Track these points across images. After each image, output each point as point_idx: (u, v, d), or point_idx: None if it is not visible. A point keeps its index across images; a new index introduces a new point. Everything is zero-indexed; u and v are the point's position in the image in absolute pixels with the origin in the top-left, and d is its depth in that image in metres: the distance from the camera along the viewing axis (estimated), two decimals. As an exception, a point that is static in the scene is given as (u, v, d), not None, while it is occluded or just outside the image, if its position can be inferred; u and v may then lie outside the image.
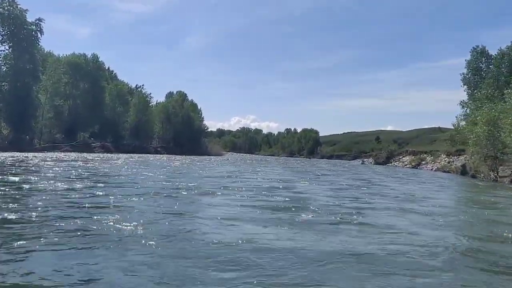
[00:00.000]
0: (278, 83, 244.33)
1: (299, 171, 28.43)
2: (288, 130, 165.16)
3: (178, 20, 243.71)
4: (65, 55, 55.97)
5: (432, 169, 39.00)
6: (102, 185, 11.77)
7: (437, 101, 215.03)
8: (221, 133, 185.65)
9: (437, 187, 18.17)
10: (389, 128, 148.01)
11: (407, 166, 47.70)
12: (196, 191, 11.58)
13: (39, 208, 7.25)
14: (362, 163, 62.78)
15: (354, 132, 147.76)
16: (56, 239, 5.21)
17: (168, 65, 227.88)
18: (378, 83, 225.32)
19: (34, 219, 6.37)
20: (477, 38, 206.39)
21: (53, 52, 58.79)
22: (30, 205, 7.55)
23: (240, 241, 5.53)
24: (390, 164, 55.33)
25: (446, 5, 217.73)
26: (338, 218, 7.87)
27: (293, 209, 8.98)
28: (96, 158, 32.50)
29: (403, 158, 56.78)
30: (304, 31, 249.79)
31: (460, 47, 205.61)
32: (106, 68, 78.83)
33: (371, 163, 63.51)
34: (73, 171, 16.80)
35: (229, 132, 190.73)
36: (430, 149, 56.97)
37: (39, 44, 45.32)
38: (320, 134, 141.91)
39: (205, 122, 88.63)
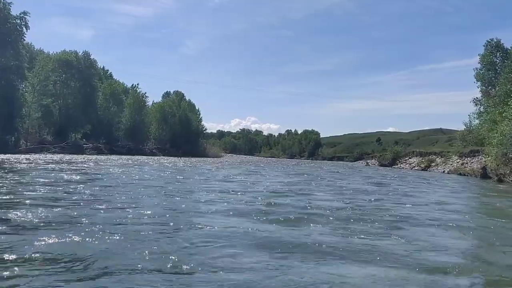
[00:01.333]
0: (278, 85, 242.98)
1: (305, 173, 25.77)
2: (288, 132, 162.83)
3: (179, 23, 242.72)
4: (55, 53, 53.37)
5: (444, 172, 36.21)
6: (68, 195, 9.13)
7: (437, 103, 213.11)
8: (221, 134, 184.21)
9: (468, 194, 15.53)
10: (389, 129, 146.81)
11: (416, 168, 44.90)
12: (193, 201, 8.97)
13: None
14: (366, 165, 60.06)
15: (355, 133, 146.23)
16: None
17: (168, 67, 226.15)
18: (378, 85, 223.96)
19: None
20: (477, 41, 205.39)
21: (43, 49, 56.44)
22: None
23: None
24: (396, 166, 52.53)
25: (447, 7, 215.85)
26: (376, 240, 5.27)
27: (320, 226, 6.61)
28: (75, 160, 29.88)
29: (410, 160, 53.98)
30: (305, 34, 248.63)
31: (460, 50, 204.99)
32: (101, 67, 76.51)
33: (374, 164, 60.83)
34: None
35: (229, 133, 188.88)
36: (432, 150, 54.30)
37: (24, 39, 42.66)
38: (321, 136, 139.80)
39: (206, 124, 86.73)
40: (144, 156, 53.56)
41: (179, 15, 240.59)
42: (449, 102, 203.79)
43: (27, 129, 45.63)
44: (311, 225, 6.81)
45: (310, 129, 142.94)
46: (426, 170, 40.61)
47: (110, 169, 20.79)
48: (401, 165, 53.15)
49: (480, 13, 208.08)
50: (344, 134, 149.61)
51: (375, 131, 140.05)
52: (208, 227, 6.16)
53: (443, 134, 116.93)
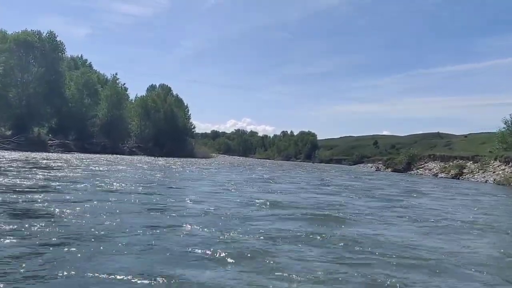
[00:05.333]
0: (275, 87, 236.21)
1: (316, 184, 18.15)
2: (284, 133, 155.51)
3: (176, 23, 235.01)
4: (14, 32, 45.06)
5: (487, 181, 28.69)
6: None
7: (433, 107, 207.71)
8: (215, 135, 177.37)
9: None
10: (384, 133, 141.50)
11: (441, 175, 37.31)
12: None
13: None
14: (377, 170, 52.55)
15: (351, 136, 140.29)
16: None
17: (164, 67, 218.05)
18: (375, 89, 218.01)
19: None
20: (473, 46, 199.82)
21: (2, 29, 48.24)
22: None
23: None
24: (413, 172, 45.08)
25: (443, 12, 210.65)
26: None
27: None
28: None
29: (428, 165, 46.53)
30: (302, 37, 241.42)
31: (457, 54, 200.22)
32: (79, 56, 68.65)
33: (380, 169, 53.32)
34: None
35: (224, 134, 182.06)
36: (458, 154, 46.86)
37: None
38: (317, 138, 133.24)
39: (202, 124, 79.31)
40: (119, 156, 45.78)
41: (177, 15, 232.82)
42: (444, 107, 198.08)
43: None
44: None
45: (306, 130, 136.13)
46: (458, 178, 33.04)
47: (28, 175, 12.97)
48: (418, 170, 45.70)
49: (476, 18, 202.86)
50: (340, 137, 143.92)
51: (371, 134, 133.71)
52: None
53: (441, 138, 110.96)
